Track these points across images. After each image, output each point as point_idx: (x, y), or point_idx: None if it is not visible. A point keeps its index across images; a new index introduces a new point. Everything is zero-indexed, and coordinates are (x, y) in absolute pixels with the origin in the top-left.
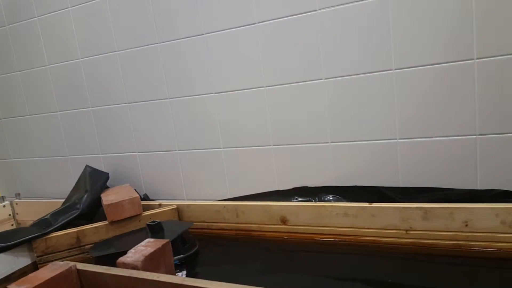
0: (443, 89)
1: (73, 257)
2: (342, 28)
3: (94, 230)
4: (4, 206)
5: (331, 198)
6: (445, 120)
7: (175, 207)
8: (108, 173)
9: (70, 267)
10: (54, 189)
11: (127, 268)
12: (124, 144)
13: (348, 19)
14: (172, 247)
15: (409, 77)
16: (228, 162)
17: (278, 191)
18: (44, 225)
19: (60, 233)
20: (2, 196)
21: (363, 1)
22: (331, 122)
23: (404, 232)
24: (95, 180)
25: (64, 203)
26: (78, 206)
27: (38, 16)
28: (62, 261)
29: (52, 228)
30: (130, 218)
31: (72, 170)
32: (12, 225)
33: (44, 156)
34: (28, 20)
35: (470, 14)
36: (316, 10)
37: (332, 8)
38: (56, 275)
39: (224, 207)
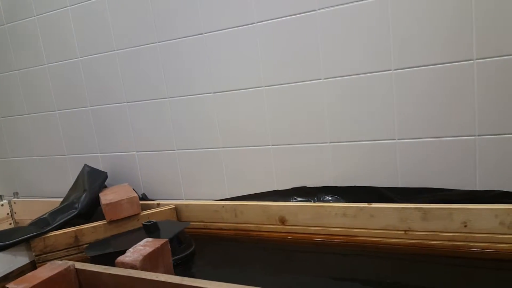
0: (443, 90)
1: (71, 256)
2: (342, 28)
3: (92, 229)
4: (2, 205)
5: (330, 199)
6: (445, 121)
7: (174, 206)
8: (106, 173)
9: (69, 266)
10: (53, 188)
11: (126, 267)
12: (123, 144)
13: (347, 19)
14: None
15: (408, 77)
16: (227, 161)
17: (277, 191)
18: (42, 224)
19: (59, 232)
20: (0, 195)
21: (362, 1)
22: (330, 122)
23: (403, 232)
24: (93, 180)
25: (62, 202)
26: (76, 205)
27: (36, 15)
28: (61, 260)
29: (50, 227)
30: (129, 217)
31: (71, 170)
32: (10, 224)
33: (42, 155)
34: (27, 19)
35: (469, 15)
36: (315, 10)
37: (332, 8)
38: (55, 275)
39: (223, 207)
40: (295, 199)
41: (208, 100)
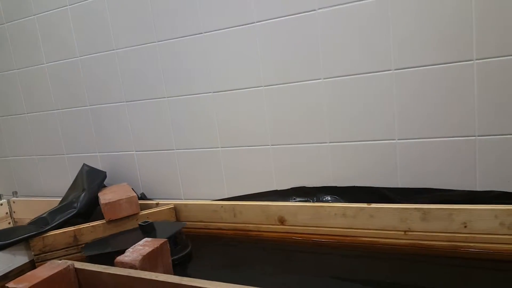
0: (442, 90)
1: (70, 256)
2: (342, 28)
3: (91, 229)
4: (1, 204)
5: (329, 199)
6: (444, 121)
7: (173, 206)
8: (105, 172)
9: (68, 266)
10: (52, 187)
11: (125, 267)
12: (122, 143)
13: (347, 19)
14: None
15: (408, 77)
16: (226, 161)
17: (276, 191)
18: (42, 224)
19: (58, 231)
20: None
21: (362, 1)
22: (329, 122)
23: (403, 233)
24: (92, 179)
25: (61, 201)
26: (75, 205)
27: (36, 14)
28: (60, 259)
29: (49, 227)
30: (128, 217)
31: (70, 169)
32: (9, 223)
33: (41, 155)
34: (26, 18)
35: (470, 15)
36: (315, 10)
37: (331, 8)
38: (54, 274)
39: (222, 206)
40: (294, 199)
41: (207, 100)
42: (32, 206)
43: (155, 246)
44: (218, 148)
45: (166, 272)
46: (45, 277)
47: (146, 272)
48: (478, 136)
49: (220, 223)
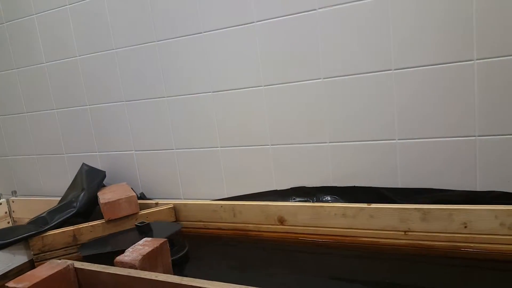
0: (443, 90)
1: (69, 255)
2: (342, 27)
3: (90, 228)
4: (0, 203)
5: (329, 199)
6: (445, 121)
7: (172, 206)
8: (104, 172)
9: (68, 265)
10: (51, 187)
11: (125, 267)
12: (121, 143)
13: (347, 19)
14: None
15: (408, 77)
16: (225, 161)
17: (275, 191)
18: (41, 223)
19: (57, 231)
20: None
21: (362, 1)
22: (329, 122)
23: (403, 233)
24: (91, 179)
25: (60, 201)
26: (74, 204)
27: (36, 14)
28: (59, 259)
29: (48, 226)
30: (127, 216)
31: (69, 168)
32: (9, 222)
33: (41, 154)
34: (26, 18)
35: (470, 15)
36: (315, 10)
37: (331, 8)
38: (54, 273)
39: (221, 206)
40: (294, 199)
41: (207, 99)
42: (31, 206)
43: (155, 245)
44: (218, 147)
45: (166, 272)
46: (45, 276)
47: (146, 272)
48: (478, 136)
49: (219, 223)
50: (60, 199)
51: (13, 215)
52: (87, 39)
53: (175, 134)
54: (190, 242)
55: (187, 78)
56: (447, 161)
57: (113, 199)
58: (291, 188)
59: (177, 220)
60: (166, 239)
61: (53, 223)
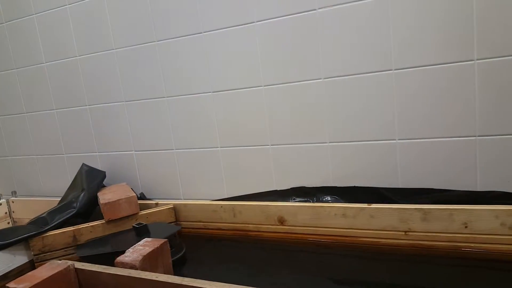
0: (443, 90)
1: (70, 255)
2: (342, 27)
3: (90, 229)
4: (0, 204)
5: (329, 199)
6: (445, 121)
7: (172, 206)
8: (104, 172)
9: (68, 266)
10: (51, 187)
11: (125, 267)
12: (121, 143)
13: (347, 19)
14: None
15: (408, 77)
16: (225, 161)
17: (275, 191)
18: (41, 224)
19: (57, 231)
20: None
21: (362, 1)
22: (329, 122)
23: (403, 233)
24: (91, 179)
25: (60, 201)
26: (74, 204)
27: (35, 14)
28: (59, 259)
29: (49, 227)
30: (127, 217)
31: (69, 169)
32: (9, 223)
33: (40, 154)
34: (26, 18)
35: (470, 15)
36: (315, 10)
37: (332, 8)
38: (55, 274)
39: (221, 206)
40: (294, 199)
41: (207, 99)
42: (31, 206)
43: (155, 246)
44: (218, 148)
45: (166, 272)
46: (45, 277)
47: (147, 273)
48: (479, 136)
49: (219, 223)
50: (60, 199)
51: (13, 215)
52: (87, 39)
53: (175, 134)
54: (190, 243)
55: (187, 78)
56: (447, 161)
57: (113, 200)
58: (291, 188)
59: (177, 220)
60: (166, 239)
61: (53, 224)
